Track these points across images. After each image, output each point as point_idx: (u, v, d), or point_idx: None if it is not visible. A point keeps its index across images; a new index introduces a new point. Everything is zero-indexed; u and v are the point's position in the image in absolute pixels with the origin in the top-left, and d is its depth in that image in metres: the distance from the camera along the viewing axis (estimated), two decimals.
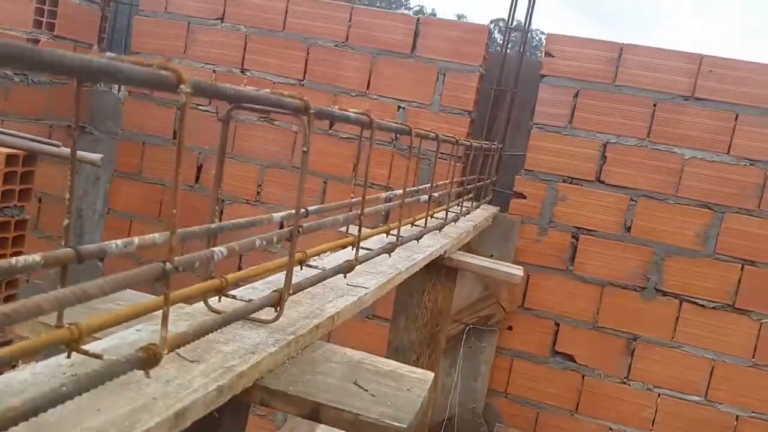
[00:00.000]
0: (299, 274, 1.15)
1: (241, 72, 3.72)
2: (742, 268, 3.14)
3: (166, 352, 0.62)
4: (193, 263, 0.64)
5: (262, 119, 3.67)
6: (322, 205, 1.12)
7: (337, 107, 1.00)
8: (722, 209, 3.14)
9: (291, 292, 0.89)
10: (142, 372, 0.68)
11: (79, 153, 2.33)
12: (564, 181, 3.32)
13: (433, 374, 0.92)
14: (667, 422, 3.26)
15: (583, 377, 3.37)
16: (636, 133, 3.21)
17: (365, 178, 1.15)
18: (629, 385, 3.31)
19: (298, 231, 0.87)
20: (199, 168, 3.80)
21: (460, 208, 2.50)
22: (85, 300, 0.50)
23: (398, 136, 2.67)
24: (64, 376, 0.63)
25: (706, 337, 3.20)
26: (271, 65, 3.65)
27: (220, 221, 0.84)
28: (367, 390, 0.82)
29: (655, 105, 3.18)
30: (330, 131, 3.52)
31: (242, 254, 0.78)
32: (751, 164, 3.10)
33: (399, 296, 2.16)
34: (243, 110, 0.86)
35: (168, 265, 0.59)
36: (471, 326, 3.40)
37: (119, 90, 4.04)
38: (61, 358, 0.66)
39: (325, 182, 3.60)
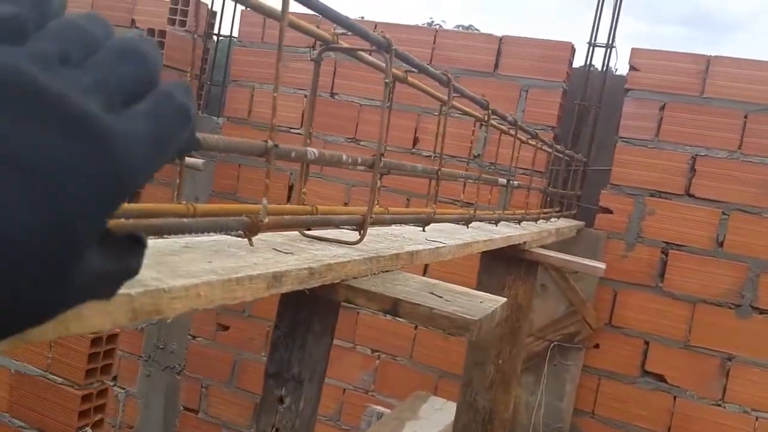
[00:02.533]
0: (380, 235, 1.24)
1: (331, 96, 3.91)
2: None
3: (266, 220, 0.71)
4: (289, 153, 0.73)
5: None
6: (402, 162, 1.20)
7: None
8: None
9: (372, 217, 0.97)
10: (244, 252, 0.77)
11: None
12: (652, 195, 3.27)
13: (505, 299, 0.97)
14: None
15: (674, 399, 3.25)
16: (726, 145, 3.15)
17: (442, 139, 1.23)
18: (724, 407, 3.16)
19: (380, 159, 0.95)
20: (291, 188, 3.99)
21: (540, 212, 2.53)
22: (206, 147, 0.60)
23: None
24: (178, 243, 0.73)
25: None
26: (358, 89, 3.82)
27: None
28: (441, 297, 0.88)
29: (746, 116, 3.12)
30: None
31: (331, 165, 0.87)
32: None
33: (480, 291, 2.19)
34: (333, 50, 0.96)
35: (270, 143, 0.69)
36: (556, 343, 3.36)
37: (218, 116, 4.32)
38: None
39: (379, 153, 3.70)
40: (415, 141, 3.73)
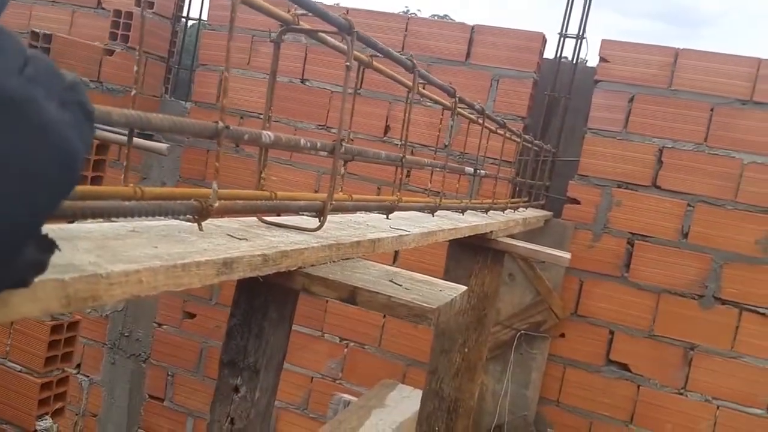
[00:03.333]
0: (343, 222, 1.22)
1: (302, 82, 3.86)
2: None
3: (216, 204, 0.68)
4: (242, 135, 0.71)
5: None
6: (365, 148, 1.18)
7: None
8: None
9: (333, 204, 0.95)
10: (195, 237, 0.75)
11: (145, 142, 2.48)
12: (619, 186, 3.30)
13: (465, 287, 0.96)
14: None
15: (638, 387, 3.30)
16: (693, 137, 3.18)
17: (407, 126, 1.21)
18: (686, 396, 3.22)
19: (341, 144, 0.93)
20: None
21: (507, 202, 2.53)
22: (148, 127, 0.57)
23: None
24: (126, 227, 0.71)
25: None
26: (330, 75, 3.78)
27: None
28: (401, 285, 0.87)
29: (712, 109, 3.15)
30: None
31: (288, 149, 0.84)
32: None
33: (446, 279, 2.19)
34: (293, 32, 0.94)
35: (221, 124, 0.66)
36: (522, 332, 3.38)
37: (186, 101, 4.24)
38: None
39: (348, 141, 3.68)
40: (387, 129, 3.71)
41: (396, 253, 3.66)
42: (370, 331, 3.69)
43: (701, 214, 3.18)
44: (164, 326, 4.21)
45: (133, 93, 0.70)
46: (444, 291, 0.90)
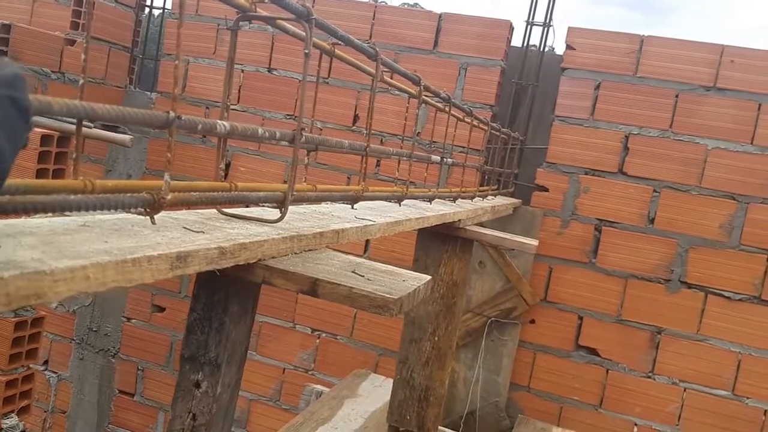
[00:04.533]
0: (307, 213, 1.20)
1: (269, 71, 3.82)
2: (767, 260, 3.10)
3: (169, 197, 0.66)
4: (196, 125, 0.69)
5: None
6: (328, 138, 1.17)
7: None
8: (746, 200, 3.11)
9: (294, 195, 0.93)
10: (149, 231, 0.73)
11: (108, 133, 2.43)
12: (586, 173, 3.33)
13: (430, 277, 0.95)
14: (694, 417, 3.21)
15: (607, 371, 3.34)
16: (658, 124, 3.22)
17: (370, 114, 1.20)
18: (654, 379, 3.27)
19: (301, 134, 0.92)
20: (228, 165, 3.89)
21: (476, 190, 2.53)
22: (94, 117, 0.55)
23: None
24: (75, 221, 0.68)
25: (733, 329, 3.15)
26: (297, 64, 3.74)
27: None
28: (363, 276, 0.86)
29: (677, 96, 3.19)
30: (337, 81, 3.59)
31: (245, 139, 0.82)
32: None
33: (415, 269, 2.19)
34: (250, 19, 0.92)
35: (171, 114, 0.65)
36: (493, 319, 3.40)
37: (151, 91, 4.17)
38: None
39: (319, 130, 3.66)
40: (355, 118, 3.69)
41: (367, 243, 3.65)
42: (341, 321, 3.69)
43: (667, 200, 3.22)
44: (133, 320, 4.16)
45: (81, 82, 0.67)
46: (407, 281, 0.89)
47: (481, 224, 2.75)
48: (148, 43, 4.61)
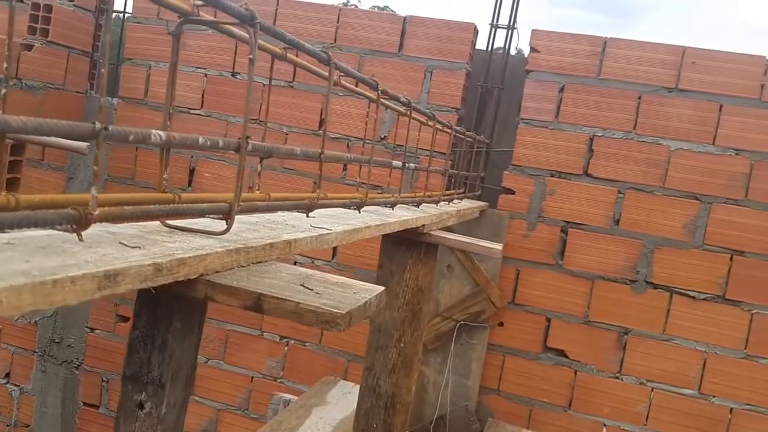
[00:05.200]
0: (259, 222, 1.17)
1: (232, 75, 3.77)
2: (731, 259, 3.13)
3: (96, 212, 0.63)
4: (126, 135, 0.65)
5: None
6: (280, 146, 1.13)
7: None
8: (709, 200, 3.15)
9: (240, 205, 0.90)
10: (79, 248, 0.69)
11: (63, 141, 2.37)
12: (552, 176, 3.34)
13: (383, 288, 0.93)
14: (661, 417, 3.23)
15: (575, 373, 3.35)
16: (622, 125, 3.24)
17: (326, 116, 1.17)
18: (622, 379, 3.29)
19: (247, 142, 0.88)
20: (192, 171, 3.83)
21: (441, 194, 2.51)
22: (7, 130, 0.51)
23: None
24: None
25: (698, 329, 3.18)
26: (261, 68, 3.68)
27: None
28: (312, 289, 0.83)
29: (640, 97, 3.21)
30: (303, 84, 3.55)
31: (184, 148, 0.79)
32: (736, 154, 3.11)
33: (380, 275, 2.16)
34: (193, 23, 0.88)
35: (98, 125, 0.61)
36: (462, 323, 3.39)
37: (112, 96, 4.09)
38: None
39: (286, 134, 3.63)
40: (321, 122, 3.65)
41: (334, 248, 3.62)
42: (310, 328, 3.64)
43: (631, 201, 3.24)
44: (97, 331, 4.07)
45: (2, 92, 0.64)
46: (359, 293, 0.87)
47: (448, 228, 2.74)
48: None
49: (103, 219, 0.65)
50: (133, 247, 0.73)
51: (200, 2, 0.84)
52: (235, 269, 0.86)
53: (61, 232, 0.74)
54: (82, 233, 0.65)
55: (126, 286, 0.65)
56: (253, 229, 1.04)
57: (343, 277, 0.96)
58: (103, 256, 0.67)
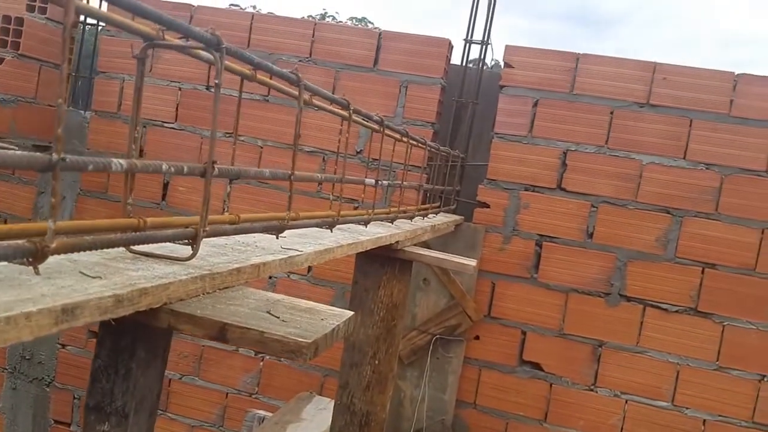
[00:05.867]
0: (228, 245, 1.16)
1: (207, 89, 3.75)
2: (702, 272, 3.17)
3: (54, 244, 0.62)
4: (85, 165, 0.64)
5: None
6: (253, 168, 1.13)
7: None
8: (681, 213, 3.19)
9: (207, 230, 0.89)
10: (38, 279, 0.68)
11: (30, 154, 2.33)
12: (526, 190, 3.36)
13: (352, 313, 0.92)
14: (635, 429, 3.25)
15: (551, 386, 3.36)
16: (595, 140, 3.27)
17: (296, 137, 1.16)
18: (596, 392, 3.31)
19: (213, 167, 0.88)
20: (165, 185, 3.79)
21: (416, 209, 2.52)
22: None
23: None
24: None
25: (671, 341, 3.21)
26: (233, 81, 3.67)
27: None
28: (278, 317, 0.82)
29: (612, 112, 3.25)
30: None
31: (147, 173, 0.78)
32: (707, 168, 3.16)
33: (355, 292, 2.16)
34: (158, 47, 0.88)
35: (54, 156, 0.60)
36: (438, 337, 3.39)
37: (85, 110, 4.04)
38: None
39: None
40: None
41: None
42: None
43: (605, 214, 3.27)
44: (68, 347, 4.00)
45: None
46: (326, 320, 0.86)
47: (424, 242, 2.74)
48: (82, 60, 4.47)
49: (60, 251, 0.63)
50: (93, 277, 0.72)
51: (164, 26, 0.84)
52: (200, 296, 0.85)
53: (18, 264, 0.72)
54: (40, 265, 0.64)
55: (85, 319, 0.64)
56: (221, 252, 1.03)
57: (312, 302, 0.95)
58: (62, 289, 0.65)
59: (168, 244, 0.99)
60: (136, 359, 0.82)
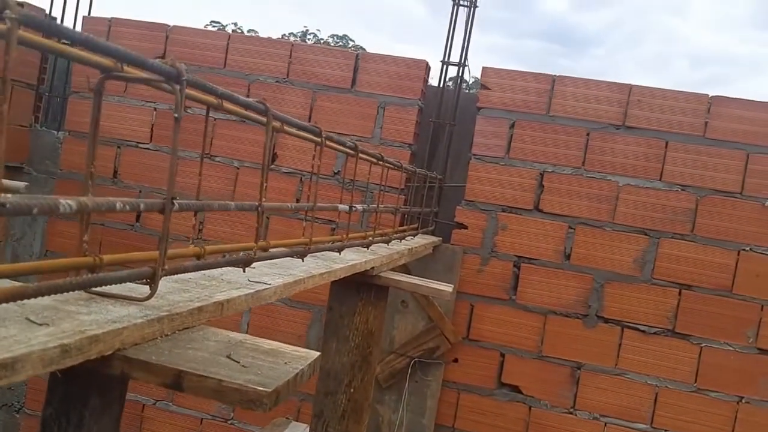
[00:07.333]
0: (191, 280, 1.12)
1: (185, 109, 3.70)
2: (679, 293, 3.18)
3: None
4: (30, 207, 0.61)
5: None
6: (223, 202, 1.09)
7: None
8: (657, 235, 3.19)
9: (166, 268, 0.86)
10: None
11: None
12: (504, 211, 3.35)
13: (318, 353, 0.89)
14: None
15: (530, 409, 3.33)
16: (571, 162, 3.28)
17: (265, 164, 1.13)
18: (575, 414, 3.28)
19: (172, 203, 0.84)
20: None
21: (393, 232, 2.49)
22: None
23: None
24: None
25: (649, 363, 3.20)
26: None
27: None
28: (239, 362, 0.78)
29: (588, 134, 3.26)
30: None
31: (99, 212, 0.75)
32: (682, 189, 3.17)
33: (330, 319, 2.12)
34: (116, 79, 0.85)
35: None
36: (416, 360, 3.35)
37: (58, 130, 3.98)
38: None
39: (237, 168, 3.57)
40: (274, 157, 3.61)
41: None
42: None
43: (582, 236, 3.27)
44: None
45: None
46: (290, 363, 0.83)
47: (403, 264, 2.71)
48: (56, 79, 4.41)
49: (1, 300, 0.60)
50: (41, 324, 0.68)
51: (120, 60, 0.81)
52: (158, 339, 0.82)
53: None
54: None
55: (27, 373, 0.60)
56: (183, 288, 1.00)
57: (276, 342, 0.91)
58: (2, 340, 0.61)
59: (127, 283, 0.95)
60: (90, 407, 0.78)
